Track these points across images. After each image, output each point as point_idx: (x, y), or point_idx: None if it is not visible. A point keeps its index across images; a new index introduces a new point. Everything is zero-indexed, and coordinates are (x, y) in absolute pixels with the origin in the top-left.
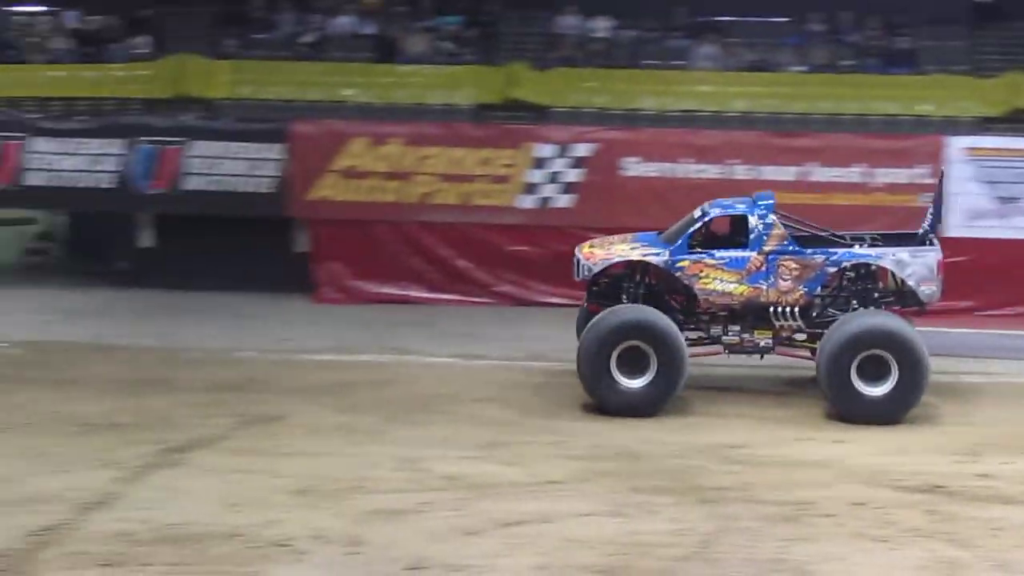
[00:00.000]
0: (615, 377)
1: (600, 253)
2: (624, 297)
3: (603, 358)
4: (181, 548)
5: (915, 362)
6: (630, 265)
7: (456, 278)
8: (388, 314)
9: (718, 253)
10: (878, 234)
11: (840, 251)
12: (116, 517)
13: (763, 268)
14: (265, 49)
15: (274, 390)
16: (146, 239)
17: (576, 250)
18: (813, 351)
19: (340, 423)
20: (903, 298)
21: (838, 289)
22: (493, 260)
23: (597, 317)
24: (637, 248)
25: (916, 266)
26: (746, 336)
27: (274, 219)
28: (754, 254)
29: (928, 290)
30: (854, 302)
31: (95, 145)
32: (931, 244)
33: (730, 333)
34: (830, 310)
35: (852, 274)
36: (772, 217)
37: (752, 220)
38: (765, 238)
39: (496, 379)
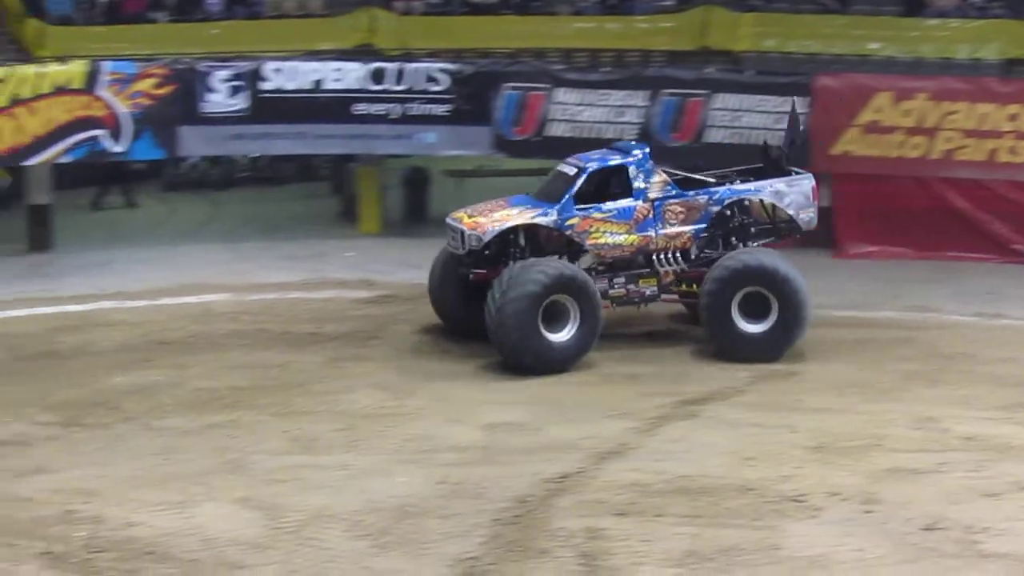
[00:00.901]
0: (543, 333)
1: (485, 221)
2: (511, 262)
3: (531, 315)
4: (695, 500)
5: (795, 300)
6: (513, 230)
7: (978, 235)
8: (908, 270)
9: (605, 206)
10: (738, 170)
11: (721, 189)
12: (631, 467)
13: (650, 215)
14: (789, 2)
15: (795, 345)
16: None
17: (452, 222)
18: (693, 294)
19: (856, 379)
20: (778, 229)
21: (715, 228)
22: (1017, 218)
23: (509, 275)
24: (524, 212)
25: (794, 195)
26: (632, 287)
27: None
28: (640, 203)
29: (807, 217)
30: (733, 239)
31: (618, 96)
32: (799, 173)
33: (616, 286)
34: (706, 251)
35: (729, 212)
36: (651, 164)
37: (632, 170)
38: (648, 186)
39: (1019, 340)
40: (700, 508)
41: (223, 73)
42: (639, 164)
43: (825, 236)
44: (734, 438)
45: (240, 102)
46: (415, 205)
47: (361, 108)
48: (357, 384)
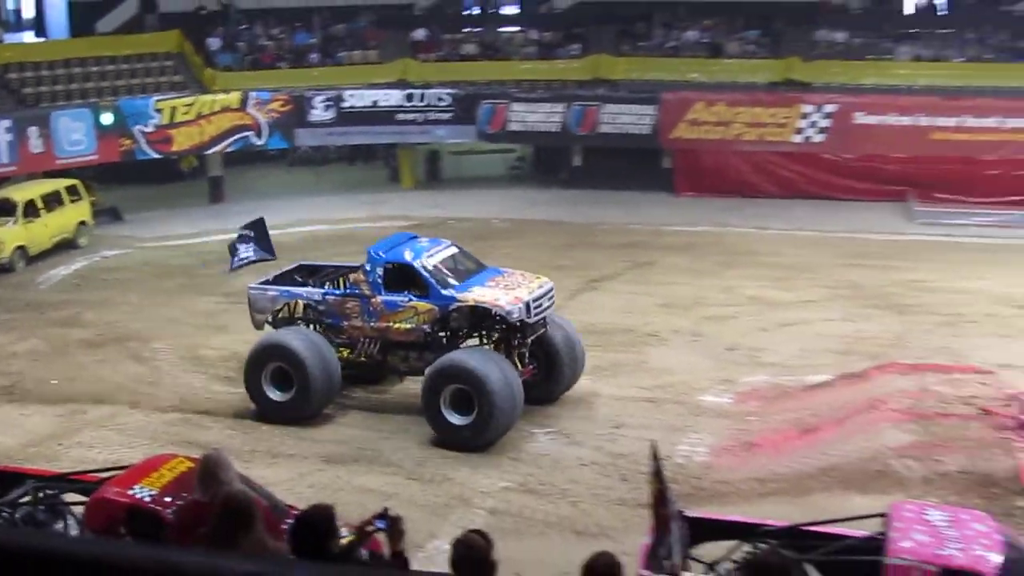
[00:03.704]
0: None
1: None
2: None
3: None
4: (597, 336)
5: None
6: None
7: (751, 182)
8: (716, 203)
9: None
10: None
11: None
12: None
13: None
14: (646, 51)
15: (650, 247)
16: (577, 160)
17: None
18: None
19: (690, 267)
20: None
21: None
22: (774, 172)
23: None
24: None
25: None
26: None
27: (650, 149)
28: None
29: None
30: None
31: (547, 107)
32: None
33: None
34: None
35: None
36: None
37: None
38: None
39: (780, 242)
40: (599, 341)
41: (320, 98)
42: None
43: (669, 184)
44: (618, 301)
45: (331, 114)
46: (433, 171)
47: (400, 116)
48: None
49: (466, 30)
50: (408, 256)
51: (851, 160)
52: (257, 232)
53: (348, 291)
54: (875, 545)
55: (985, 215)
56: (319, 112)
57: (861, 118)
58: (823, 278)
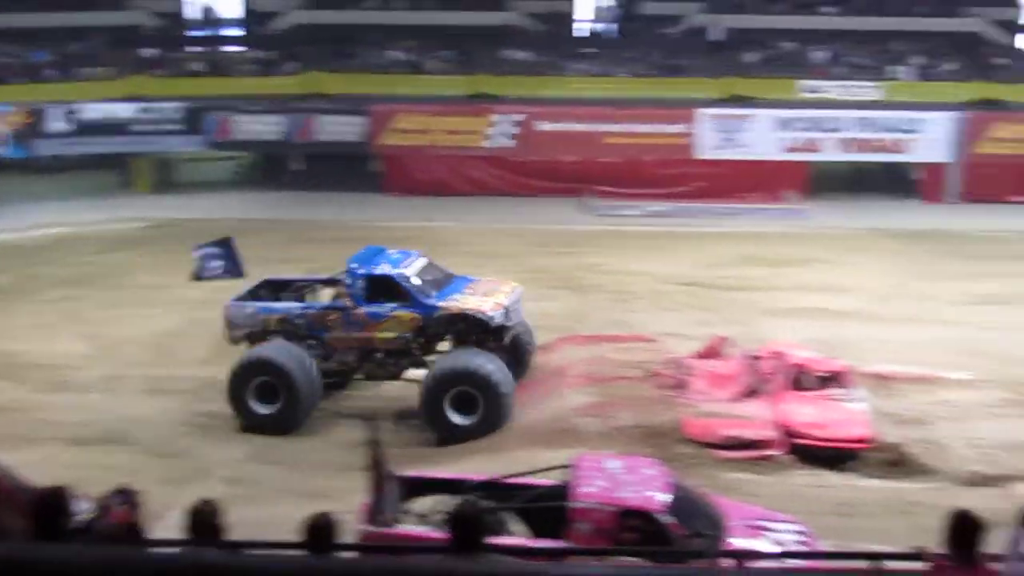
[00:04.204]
0: None
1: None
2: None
3: None
4: None
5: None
6: None
7: (450, 183)
8: (420, 201)
9: None
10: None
11: None
12: None
13: None
14: (356, 68)
15: (363, 241)
16: (297, 165)
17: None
18: None
19: None
20: None
21: None
22: (469, 173)
23: None
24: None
25: None
26: None
27: (362, 154)
28: None
29: None
30: None
31: (271, 117)
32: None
33: None
34: None
35: None
36: None
37: None
38: None
39: (471, 231)
40: None
41: (59, 111)
42: None
43: (378, 185)
44: None
45: (69, 126)
46: (166, 177)
47: (134, 127)
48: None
49: (192, 49)
50: (388, 268)
51: (535, 162)
52: (225, 250)
53: (329, 304)
54: (562, 492)
55: (647, 207)
56: (57, 124)
57: (542, 126)
58: (515, 264)
